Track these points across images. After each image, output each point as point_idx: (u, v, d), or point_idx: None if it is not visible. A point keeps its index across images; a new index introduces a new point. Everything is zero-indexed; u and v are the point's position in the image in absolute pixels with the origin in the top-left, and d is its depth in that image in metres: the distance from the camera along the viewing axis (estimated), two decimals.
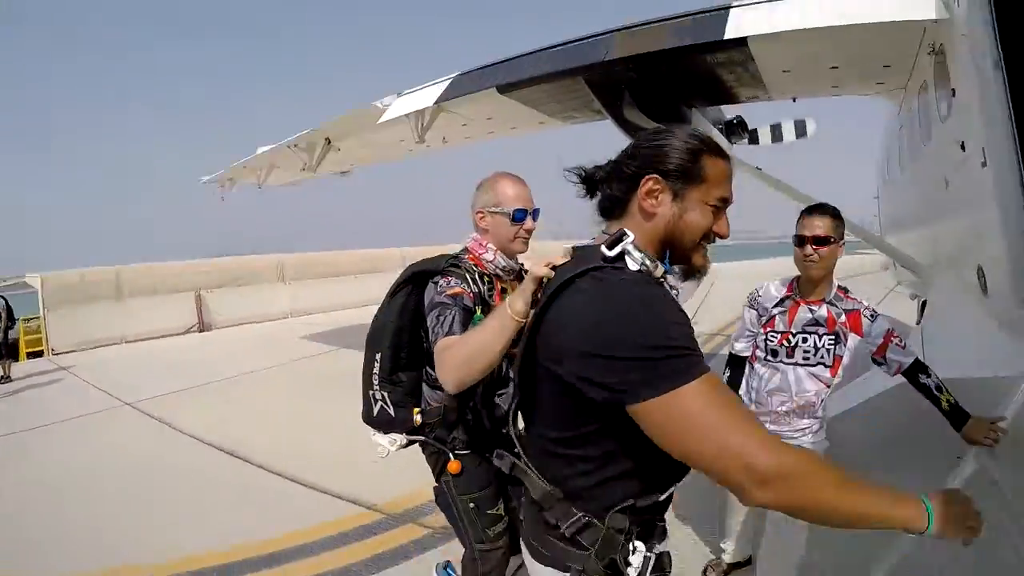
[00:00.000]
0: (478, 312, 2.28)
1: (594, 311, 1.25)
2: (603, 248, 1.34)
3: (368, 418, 2.58)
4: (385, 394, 2.51)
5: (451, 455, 2.49)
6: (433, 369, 2.35)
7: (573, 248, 1.48)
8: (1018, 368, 2.44)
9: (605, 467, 1.37)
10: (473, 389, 2.37)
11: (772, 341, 2.77)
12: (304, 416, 6.74)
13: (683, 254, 1.44)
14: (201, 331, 14.46)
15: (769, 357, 2.79)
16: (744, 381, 2.96)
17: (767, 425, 2.73)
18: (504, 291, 2.51)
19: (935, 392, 2.54)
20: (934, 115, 4.30)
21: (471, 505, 2.52)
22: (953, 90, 3.70)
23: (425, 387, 2.56)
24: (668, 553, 1.46)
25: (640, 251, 1.36)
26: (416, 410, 2.51)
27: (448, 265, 2.38)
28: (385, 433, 2.56)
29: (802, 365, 2.72)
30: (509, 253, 2.50)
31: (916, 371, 2.60)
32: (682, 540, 3.72)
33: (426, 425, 2.50)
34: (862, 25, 3.81)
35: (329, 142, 7.86)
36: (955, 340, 4.01)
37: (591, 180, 1.52)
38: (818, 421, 2.81)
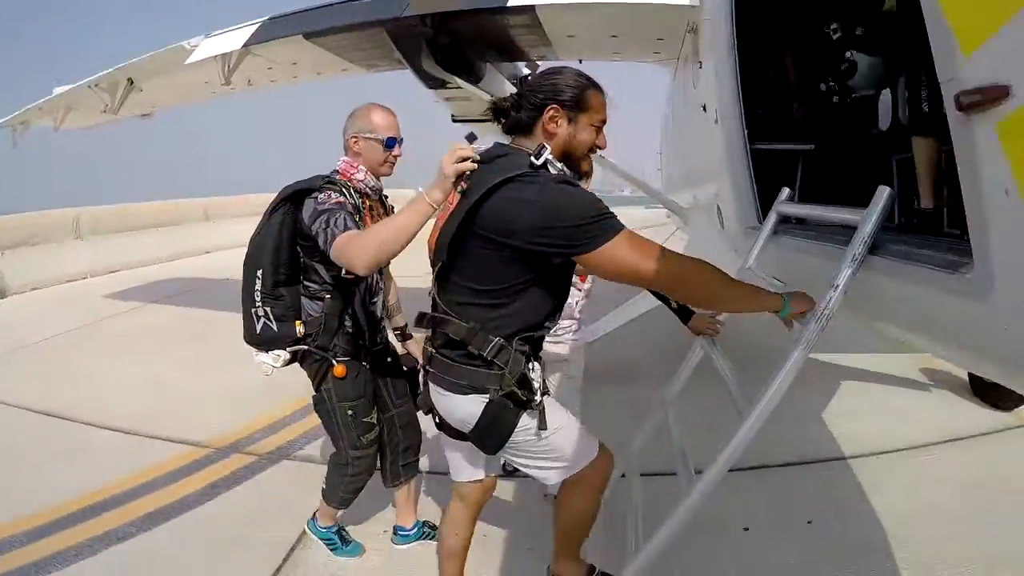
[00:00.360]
0: (357, 218, 2.47)
1: (545, 198, 1.85)
2: (531, 158, 1.95)
3: (251, 337, 2.69)
4: (268, 309, 2.63)
5: (334, 361, 2.66)
6: (313, 281, 2.69)
7: (484, 150, 2.09)
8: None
9: (516, 307, 2.02)
10: (350, 298, 2.71)
11: None
12: (119, 372, 6.66)
13: (575, 163, 2.11)
14: None
15: None
16: None
17: None
18: (371, 208, 2.75)
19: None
20: (690, 83, 5.08)
21: (349, 412, 2.72)
22: (700, 63, 4.45)
23: (304, 300, 2.73)
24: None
25: (557, 160, 2.01)
26: (298, 322, 2.66)
27: (325, 183, 2.58)
28: (268, 351, 2.67)
29: None
30: (376, 175, 2.76)
31: None
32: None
33: (308, 335, 2.65)
34: (632, 5, 4.41)
35: (132, 83, 7.47)
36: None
37: (498, 109, 2.16)
38: (576, 322, 3.53)
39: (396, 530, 3.32)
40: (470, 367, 2.07)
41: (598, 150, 2.17)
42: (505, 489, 3.75)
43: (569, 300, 3.36)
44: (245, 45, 5.87)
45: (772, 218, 2.80)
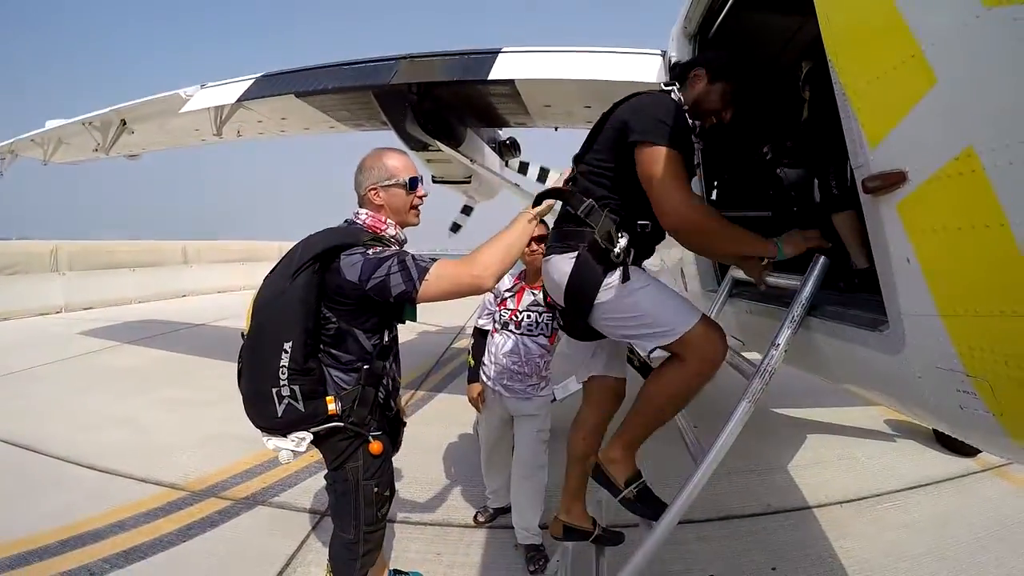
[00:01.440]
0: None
1: (652, 100, 2.43)
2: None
3: (270, 422, 2.30)
4: (296, 388, 2.23)
5: (370, 437, 2.41)
6: (346, 351, 2.37)
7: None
8: None
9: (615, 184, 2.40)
10: (387, 365, 2.49)
11: (504, 316, 3.67)
12: (94, 409, 6.70)
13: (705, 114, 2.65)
14: None
15: (502, 328, 3.66)
16: (486, 347, 3.80)
17: (504, 382, 3.61)
18: None
19: (629, 354, 3.40)
20: None
21: (375, 489, 2.46)
22: None
23: (333, 371, 2.39)
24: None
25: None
26: (330, 398, 2.32)
27: (370, 239, 2.34)
28: (285, 435, 2.31)
29: (527, 335, 3.60)
30: (404, 224, 2.56)
31: None
32: (454, 495, 4.52)
33: (344, 411, 2.34)
34: (604, 81, 4.71)
35: (124, 124, 7.64)
36: None
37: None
38: (545, 380, 3.69)
39: None
40: (567, 229, 2.47)
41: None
42: (478, 537, 3.93)
43: (534, 355, 3.57)
44: (239, 100, 6.05)
45: (727, 282, 3.06)
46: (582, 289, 2.36)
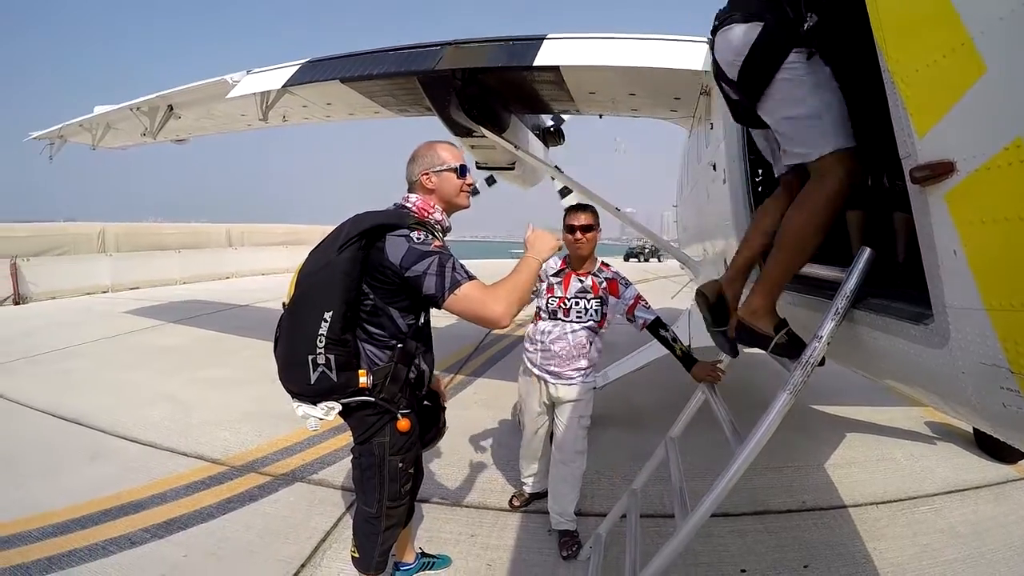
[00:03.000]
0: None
1: None
2: None
3: (303, 388, 2.38)
4: (331, 357, 2.32)
5: (398, 415, 2.49)
6: (381, 327, 2.46)
7: None
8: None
9: None
10: (421, 346, 2.57)
11: (552, 304, 3.65)
12: (138, 385, 6.94)
13: None
14: (17, 303, 13.30)
15: (551, 316, 3.66)
16: (529, 331, 3.82)
17: (551, 368, 3.64)
18: None
19: (671, 343, 3.51)
20: (703, 142, 5.36)
21: (400, 465, 2.55)
22: (711, 124, 4.72)
23: (368, 346, 2.48)
24: None
25: None
26: (362, 372, 2.41)
27: (414, 222, 2.40)
28: (316, 403, 2.40)
29: (576, 322, 3.61)
30: (454, 209, 2.68)
31: (658, 326, 3.56)
32: (490, 478, 4.57)
33: (375, 386, 2.43)
34: (649, 68, 4.69)
35: (172, 109, 7.86)
36: None
37: None
38: (592, 365, 3.70)
39: (398, 566, 3.29)
40: None
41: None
42: (512, 521, 3.99)
43: (582, 342, 3.58)
44: (284, 85, 6.17)
45: None
46: (762, 64, 2.16)
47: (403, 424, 2.49)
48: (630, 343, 5.42)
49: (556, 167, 7.44)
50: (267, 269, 21.84)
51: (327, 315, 2.29)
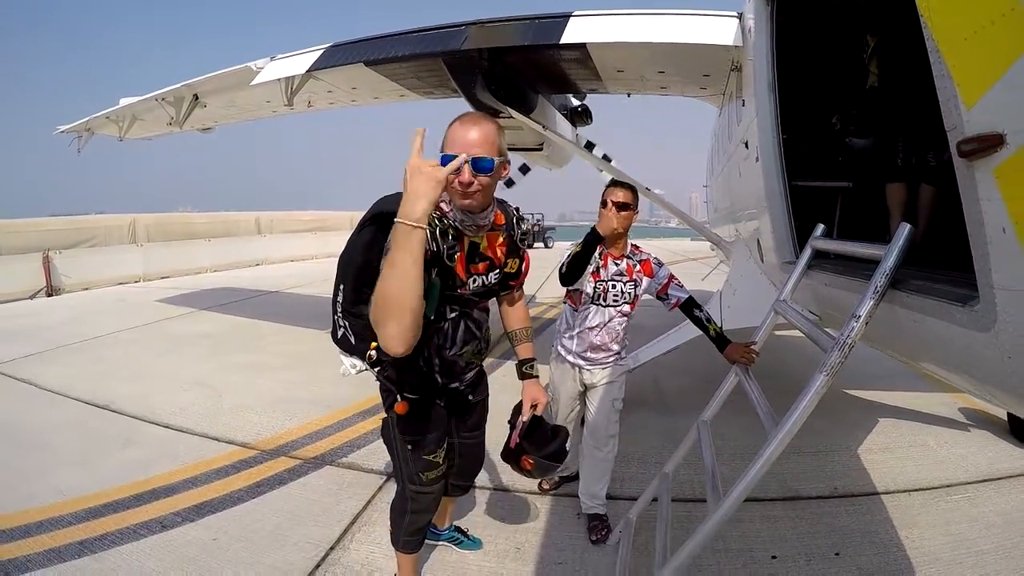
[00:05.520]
0: (433, 276, 2.20)
1: None
2: None
3: (334, 339, 2.44)
4: (347, 323, 2.37)
5: (399, 397, 2.44)
6: None
7: None
8: (774, 310, 3.17)
9: None
10: (426, 341, 2.35)
11: (598, 289, 3.53)
12: (171, 372, 7.02)
13: None
14: (50, 295, 13.43)
15: (593, 302, 3.55)
16: (564, 318, 3.72)
17: (588, 355, 3.57)
18: (474, 245, 2.37)
19: (705, 323, 3.42)
20: (734, 119, 5.26)
21: (408, 447, 2.53)
22: (743, 100, 4.62)
23: None
24: None
25: None
26: (374, 345, 2.31)
27: None
28: (350, 355, 2.42)
29: (612, 306, 3.53)
30: (456, 205, 2.23)
31: (691, 306, 3.47)
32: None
33: (381, 362, 2.38)
34: (679, 44, 4.60)
35: (197, 98, 7.94)
36: (744, 295, 5.12)
37: None
38: (624, 348, 3.66)
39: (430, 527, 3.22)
40: None
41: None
42: (542, 504, 3.98)
43: (616, 326, 3.53)
44: (309, 70, 6.18)
45: (807, 253, 2.95)
46: None
47: (399, 407, 2.44)
48: (660, 325, 5.33)
49: (588, 144, 7.36)
50: (296, 256, 22.10)
51: (341, 286, 2.38)
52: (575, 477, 3.96)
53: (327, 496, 4.04)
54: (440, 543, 3.43)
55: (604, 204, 3.42)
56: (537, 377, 2.81)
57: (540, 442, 2.68)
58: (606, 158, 8.06)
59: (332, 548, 3.44)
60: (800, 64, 4.37)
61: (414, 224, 1.78)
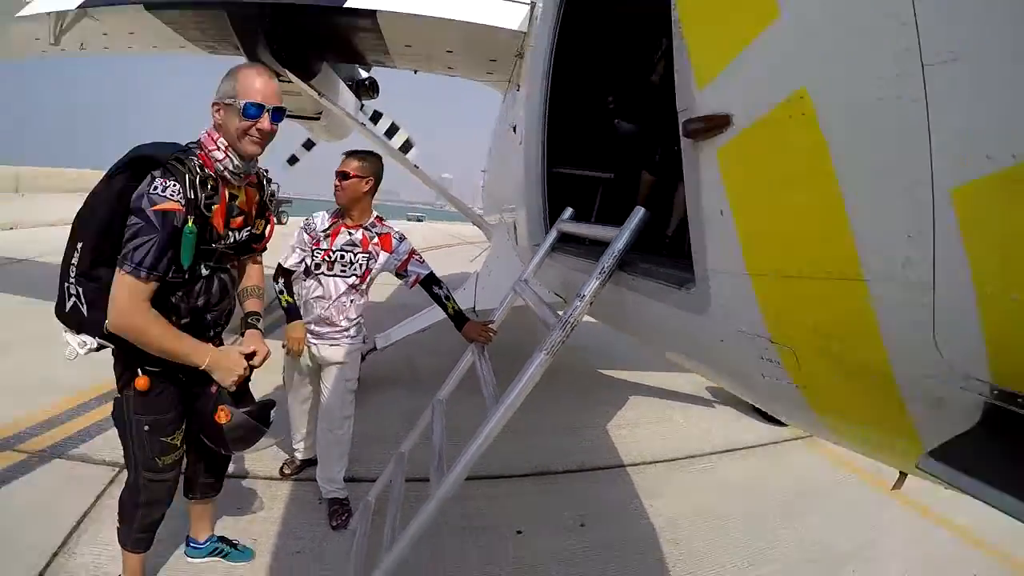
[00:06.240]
0: (190, 223, 2.01)
1: None
2: None
3: (59, 314, 2.11)
4: (80, 289, 2.05)
5: (140, 371, 2.17)
6: None
7: None
8: (515, 290, 3.01)
9: None
10: (175, 302, 2.15)
11: (316, 257, 3.26)
12: None
13: None
14: None
15: (313, 270, 3.28)
16: (294, 291, 3.38)
17: (313, 327, 3.29)
18: (233, 197, 2.23)
19: (444, 300, 3.23)
20: (510, 104, 5.23)
21: (145, 428, 2.23)
22: (519, 86, 4.57)
23: None
24: None
25: None
26: None
27: (173, 157, 2.03)
28: (77, 333, 2.10)
29: (339, 276, 3.25)
30: (241, 154, 2.15)
31: (431, 283, 3.27)
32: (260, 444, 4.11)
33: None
34: (469, 24, 4.44)
35: None
36: (499, 275, 5.12)
37: None
38: (356, 325, 3.38)
39: (188, 541, 2.89)
40: None
41: None
42: (282, 491, 3.63)
43: (343, 297, 3.26)
44: (81, 5, 5.34)
45: (552, 235, 2.84)
46: None
47: (139, 382, 2.15)
48: (422, 303, 5.03)
49: (375, 116, 7.02)
50: (60, 219, 18.84)
51: (78, 245, 2.07)
52: (315, 461, 3.64)
53: (54, 494, 3.34)
54: (204, 559, 2.89)
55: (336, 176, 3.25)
56: (261, 330, 2.48)
57: (242, 401, 2.28)
58: (389, 133, 7.77)
59: (55, 555, 2.83)
60: (587, 56, 4.35)
61: (202, 367, 2.08)
